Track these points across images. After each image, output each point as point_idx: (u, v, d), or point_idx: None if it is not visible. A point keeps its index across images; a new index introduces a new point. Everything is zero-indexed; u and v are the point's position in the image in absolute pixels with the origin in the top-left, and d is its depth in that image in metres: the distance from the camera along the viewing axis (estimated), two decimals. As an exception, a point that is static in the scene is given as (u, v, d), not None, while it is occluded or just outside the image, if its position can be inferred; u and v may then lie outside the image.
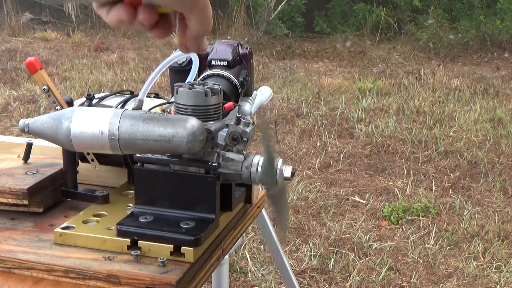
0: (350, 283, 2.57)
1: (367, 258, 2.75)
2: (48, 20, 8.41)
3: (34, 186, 1.01)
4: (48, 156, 1.13)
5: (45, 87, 0.96)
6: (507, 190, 3.50)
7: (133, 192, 0.99)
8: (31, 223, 1.00)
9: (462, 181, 3.60)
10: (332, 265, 2.68)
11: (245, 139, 0.91)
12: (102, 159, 1.10)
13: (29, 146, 1.11)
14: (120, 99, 1.12)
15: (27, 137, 1.16)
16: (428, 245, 2.88)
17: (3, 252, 0.90)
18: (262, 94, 1.35)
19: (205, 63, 1.20)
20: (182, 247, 0.88)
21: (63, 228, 0.93)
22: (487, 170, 3.72)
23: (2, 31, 7.88)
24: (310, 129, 4.38)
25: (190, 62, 1.18)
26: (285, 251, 2.76)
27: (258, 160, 0.92)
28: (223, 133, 0.93)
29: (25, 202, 1.01)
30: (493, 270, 2.71)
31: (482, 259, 2.79)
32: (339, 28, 7.86)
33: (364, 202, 3.31)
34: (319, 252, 2.77)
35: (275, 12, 7.37)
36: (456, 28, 7.55)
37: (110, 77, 5.68)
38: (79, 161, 1.09)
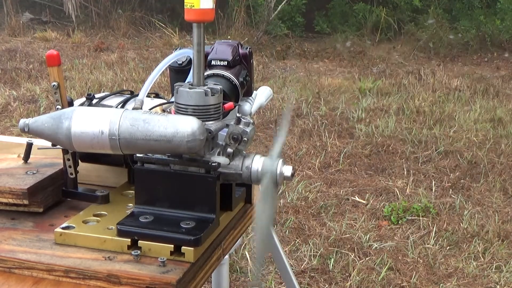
0: (350, 283, 2.57)
1: (367, 258, 2.75)
2: (48, 20, 8.41)
3: (34, 186, 1.01)
4: (48, 156, 1.13)
5: (55, 83, 0.96)
6: (507, 190, 3.50)
7: (133, 192, 0.99)
8: (31, 223, 1.00)
9: (462, 181, 3.60)
10: (332, 265, 2.68)
11: (245, 139, 0.91)
12: (102, 158, 1.10)
13: (29, 146, 1.11)
14: (120, 99, 1.12)
15: (27, 137, 1.16)
16: (428, 245, 2.88)
17: (3, 252, 0.90)
18: (262, 94, 1.35)
19: (205, 63, 1.20)
20: (182, 247, 0.88)
21: (63, 228, 0.93)
22: (487, 170, 3.72)
23: (2, 31, 7.88)
24: (310, 129, 4.38)
25: (190, 62, 1.18)
26: (285, 251, 2.76)
27: (258, 160, 0.92)
28: (223, 133, 0.93)
29: (25, 202, 1.01)
30: (493, 270, 2.71)
31: (482, 259, 2.79)
32: (339, 28, 7.86)
33: (364, 202, 3.31)
34: (319, 252, 2.77)
35: (275, 12, 7.37)
36: (456, 28, 7.55)
37: (110, 77, 5.67)
38: (79, 161, 1.09)
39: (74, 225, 0.94)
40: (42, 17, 8.52)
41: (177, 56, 1.14)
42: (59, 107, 1.00)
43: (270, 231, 0.96)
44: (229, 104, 1.02)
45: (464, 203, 3.32)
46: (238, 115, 0.92)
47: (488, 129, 4.47)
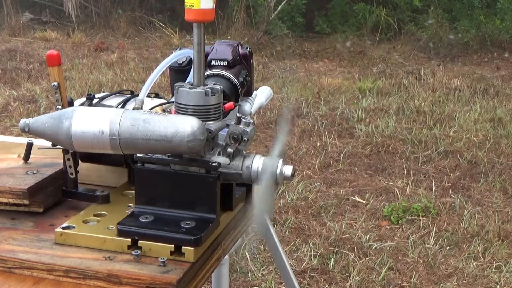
0: (350, 283, 2.57)
1: (367, 258, 2.75)
2: (48, 20, 8.40)
3: (34, 186, 1.01)
4: (48, 156, 1.13)
5: (56, 83, 0.96)
6: (507, 190, 3.50)
7: (134, 192, 0.99)
8: (32, 223, 1.01)
9: (462, 181, 3.60)
10: (332, 265, 2.68)
11: (246, 139, 0.91)
12: (103, 158, 1.10)
13: (29, 146, 1.11)
14: (120, 99, 1.12)
15: (27, 137, 1.16)
16: (428, 245, 2.88)
17: (3, 252, 0.90)
18: (262, 94, 1.35)
19: (205, 63, 1.20)
20: (183, 247, 0.88)
21: (63, 228, 0.93)
22: (487, 170, 3.72)
23: (2, 31, 7.88)
24: (310, 129, 4.38)
25: (190, 62, 1.18)
26: (285, 251, 2.76)
27: (258, 159, 0.92)
28: (223, 133, 0.93)
29: (26, 202, 1.01)
30: (493, 270, 2.71)
31: (482, 259, 2.79)
32: (339, 28, 7.86)
33: (364, 202, 3.31)
34: (319, 252, 2.77)
35: (275, 12, 7.37)
36: (456, 28, 7.55)
37: (110, 77, 5.67)
38: (79, 161, 1.09)
39: (74, 225, 0.94)
40: (42, 17, 8.52)
41: (177, 56, 1.14)
42: (59, 107, 1.00)
43: (266, 222, 0.96)
44: (229, 104, 1.02)
45: (464, 203, 3.32)
46: (238, 115, 0.92)
47: (488, 129, 4.47)
